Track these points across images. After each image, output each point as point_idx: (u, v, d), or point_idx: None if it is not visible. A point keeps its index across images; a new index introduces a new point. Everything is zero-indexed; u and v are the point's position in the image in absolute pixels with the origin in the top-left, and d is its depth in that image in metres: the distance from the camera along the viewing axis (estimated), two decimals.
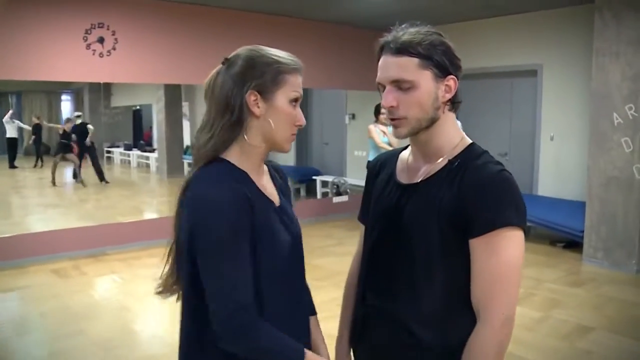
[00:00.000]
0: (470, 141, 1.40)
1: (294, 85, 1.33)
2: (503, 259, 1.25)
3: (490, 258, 1.25)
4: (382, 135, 6.76)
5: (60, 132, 10.62)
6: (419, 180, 1.38)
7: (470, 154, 1.35)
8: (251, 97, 1.29)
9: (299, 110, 1.35)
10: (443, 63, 1.30)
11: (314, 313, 1.57)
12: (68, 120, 10.75)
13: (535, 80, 7.18)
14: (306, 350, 1.28)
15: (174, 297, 1.45)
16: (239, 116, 1.30)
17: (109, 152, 13.03)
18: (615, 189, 5.66)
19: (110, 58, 6.16)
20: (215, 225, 1.20)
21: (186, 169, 11.57)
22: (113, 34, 6.15)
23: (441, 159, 1.36)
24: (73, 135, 10.55)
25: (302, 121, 1.36)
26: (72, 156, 10.50)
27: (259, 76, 1.29)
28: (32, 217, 8.65)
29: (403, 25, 1.34)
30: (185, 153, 11.74)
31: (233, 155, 1.32)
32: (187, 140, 11.92)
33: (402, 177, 1.45)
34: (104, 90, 10.61)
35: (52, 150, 12.56)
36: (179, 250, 1.36)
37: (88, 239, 6.31)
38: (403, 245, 1.37)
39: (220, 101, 1.30)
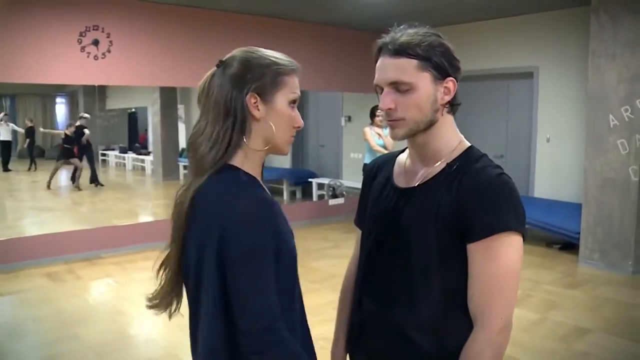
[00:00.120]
0: (469, 144, 1.38)
1: (292, 87, 1.30)
2: (502, 264, 1.24)
3: (489, 263, 1.24)
4: (378, 138, 6.75)
5: (63, 136, 10.46)
6: (416, 184, 1.37)
7: (469, 157, 1.34)
8: (251, 100, 1.25)
9: (297, 112, 1.33)
10: (442, 65, 1.28)
11: None
12: (70, 125, 10.45)
13: (532, 82, 7.18)
14: None
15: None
16: (242, 120, 1.26)
17: (104, 155, 12.99)
18: (611, 191, 5.66)
19: (105, 60, 6.14)
20: (249, 233, 1.16)
21: (182, 171, 11.55)
22: (108, 37, 6.13)
23: (439, 163, 1.35)
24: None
25: (301, 123, 1.33)
26: (75, 160, 10.41)
27: (258, 78, 1.26)
28: (26, 220, 8.61)
29: (401, 27, 1.32)
30: (180, 156, 11.73)
31: (239, 161, 1.28)
32: (182, 143, 11.91)
33: (400, 181, 1.43)
34: (99, 92, 10.57)
35: (47, 153, 12.52)
36: (180, 263, 1.30)
37: (83, 243, 6.28)
38: (400, 249, 1.35)
39: (218, 105, 1.26)
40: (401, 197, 1.39)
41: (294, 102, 1.31)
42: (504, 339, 1.25)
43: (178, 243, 1.29)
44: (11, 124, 11.73)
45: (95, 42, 6.05)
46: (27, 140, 11.99)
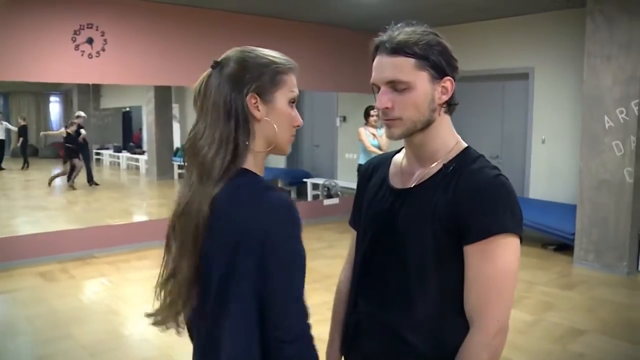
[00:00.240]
0: (466, 145, 1.37)
1: (291, 85, 1.28)
2: (499, 266, 1.23)
3: (486, 265, 1.23)
4: (372, 138, 6.75)
5: (64, 135, 10.34)
6: (412, 185, 1.35)
7: (466, 158, 1.33)
8: (251, 100, 1.22)
9: (296, 111, 1.31)
10: (440, 64, 1.27)
11: None
12: (72, 123, 10.23)
13: (527, 83, 7.19)
14: None
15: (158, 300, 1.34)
16: (244, 121, 1.22)
17: (98, 154, 12.94)
18: (606, 192, 5.67)
19: (99, 59, 6.11)
20: (290, 241, 1.16)
21: (176, 171, 11.52)
22: (102, 35, 6.10)
23: (436, 163, 1.34)
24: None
25: (300, 121, 1.31)
26: (77, 161, 10.34)
27: (257, 78, 1.22)
28: (19, 219, 8.57)
29: (398, 25, 1.31)
30: (175, 155, 11.70)
31: (251, 165, 1.25)
32: (177, 142, 11.88)
33: (396, 182, 1.42)
34: (93, 91, 10.52)
35: (41, 152, 12.49)
36: (196, 275, 1.22)
37: (76, 242, 6.25)
38: (396, 251, 1.34)
39: (218, 107, 1.21)
40: (397, 198, 1.38)
41: (293, 100, 1.29)
42: (500, 341, 1.24)
43: (193, 255, 1.21)
44: (4, 123, 11.69)
45: (90, 41, 6.02)
46: (21, 139, 11.95)
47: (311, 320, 1.52)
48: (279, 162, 10.44)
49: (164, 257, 1.29)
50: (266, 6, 6.78)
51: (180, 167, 11.26)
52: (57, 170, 11.11)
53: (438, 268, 1.28)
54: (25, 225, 7.90)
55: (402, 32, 1.28)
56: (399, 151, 1.50)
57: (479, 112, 7.61)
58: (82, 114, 10.28)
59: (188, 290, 1.23)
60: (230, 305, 1.18)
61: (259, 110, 1.23)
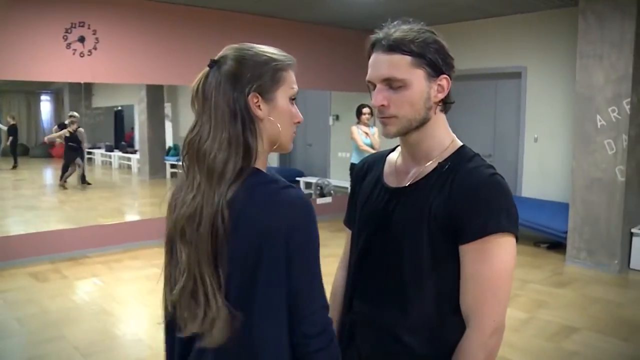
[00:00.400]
0: (461, 143, 1.36)
1: (291, 82, 1.25)
2: (495, 266, 1.23)
3: (482, 264, 1.23)
4: (365, 137, 6.74)
5: (67, 134, 10.18)
6: (407, 184, 1.35)
7: (461, 156, 1.32)
8: (253, 100, 1.20)
9: (296, 107, 1.29)
10: (436, 62, 1.26)
11: None
12: (72, 122, 9.90)
13: (520, 82, 7.21)
14: None
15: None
16: (250, 122, 1.20)
17: (90, 153, 12.85)
18: (598, 191, 5.70)
19: (91, 58, 6.06)
20: (314, 236, 1.21)
21: (168, 170, 11.47)
22: (94, 33, 6.06)
23: (431, 162, 1.33)
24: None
25: (301, 118, 1.29)
26: (80, 160, 10.26)
27: (258, 77, 1.20)
28: (10, 219, 8.50)
29: (395, 22, 1.30)
30: (167, 154, 11.64)
31: (261, 164, 1.24)
32: (169, 142, 11.83)
33: (390, 181, 1.41)
34: (84, 90, 10.44)
35: (31, 152, 12.39)
36: (214, 279, 1.17)
37: (68, 242, 6.21)
38: (391, 250, 1.33)
39: (220, 108, 1.18)
40: (392, 197, 1.37)
41: (293, 97, 1.27)
42: (496, 341, 1.24)
43: (211, 260, 1.16)
44: None
45: (81, 39, 5.97)
46: (10, 138, 11.85)
47: None
48: (271, 160, 10.38)
49: (165, 265, 1.27)
50: (259, 5, 6.76)
51: (172, 166, 11.21)
52: (50, 169, 11.00)
53: (434, 268, 1.28)
54: (17, 225, 7.84)
55: (398, 30, 1.27)
56: (393, 150, 1.49)
57: (471, 111, 7.62)
58: (75, 114, 10.18)
59: (209, 298, 1.16)
60: (252, 307, 1.16)
61: (260, 110, 1.21)
